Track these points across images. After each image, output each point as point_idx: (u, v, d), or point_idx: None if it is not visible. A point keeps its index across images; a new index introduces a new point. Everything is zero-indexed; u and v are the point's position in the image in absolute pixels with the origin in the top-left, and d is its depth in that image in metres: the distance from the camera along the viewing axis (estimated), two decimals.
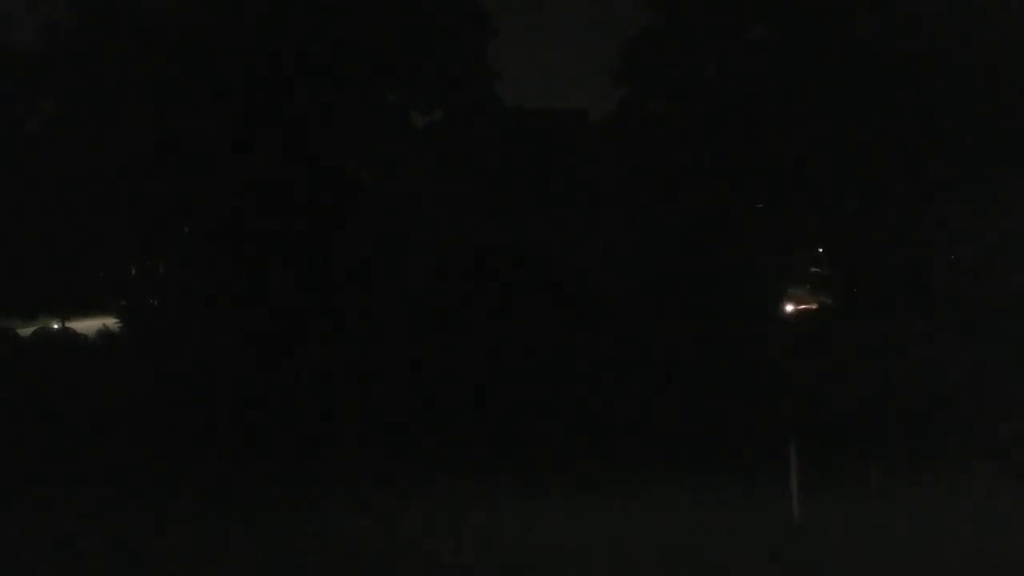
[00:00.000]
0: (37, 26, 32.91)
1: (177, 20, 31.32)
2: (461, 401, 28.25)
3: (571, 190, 32.42)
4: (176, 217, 31.68)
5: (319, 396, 28.38)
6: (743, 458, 24.60)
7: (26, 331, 32.96)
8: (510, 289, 30.60)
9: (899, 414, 27.16)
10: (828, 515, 21.30)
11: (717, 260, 31.22)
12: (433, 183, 32.08)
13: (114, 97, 31.40)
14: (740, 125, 31.06)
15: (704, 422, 27.05)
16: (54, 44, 32.79)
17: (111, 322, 32.29)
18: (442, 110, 33.74)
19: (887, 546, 19.31)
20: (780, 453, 24.93)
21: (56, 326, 33.47)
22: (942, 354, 28.55)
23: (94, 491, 23.40)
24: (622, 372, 28.83)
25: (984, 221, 30.32)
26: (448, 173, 32.41)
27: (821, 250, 33.64)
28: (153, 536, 20.69)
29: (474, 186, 32.29)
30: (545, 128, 33.86)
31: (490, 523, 21.07)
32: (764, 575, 18.28)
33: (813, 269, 33.73)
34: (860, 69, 30.48)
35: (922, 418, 26.85)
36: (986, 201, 30.22)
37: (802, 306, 33.52)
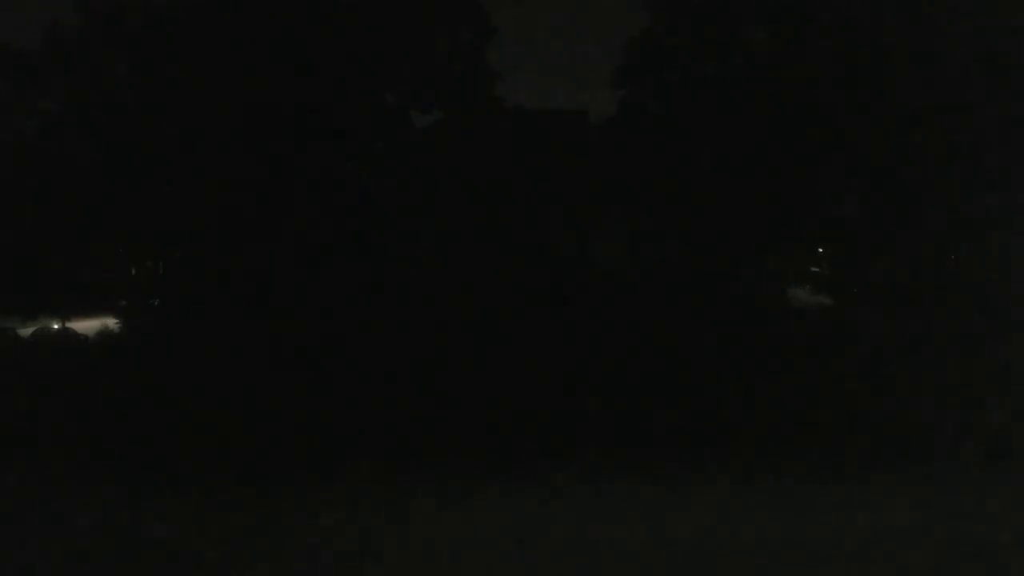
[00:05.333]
0: (38, 26, 33.02)
1: (175, 19, 31.35)
2: (464, 405, 28.27)
3: (571, 190, 32.43)
4: (176, 218, 31.68)
5: (321, 398, 28.38)
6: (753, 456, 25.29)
7: (26, 331, 32.98)
8: (511, 289, 30.61)
9: (898, 414, 27.24)
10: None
11: (717, 260, 31.23)
12: (432, 183, 32.09)
13: (113, 97, 31.42)
14: (740, 125, 31.05)
15: (706, 423, 27.24)
16: (55, 44, 32.81)
17: (111, 322, 32.33)
18: (442, 110, 33.74)
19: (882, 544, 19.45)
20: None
21: (56, 326, 33.49)
22: (941, 353, 28.60)
23: (93, 491, 23.46)
24: (621, 371, 28.89)
25: (984, 221, 30.37)
26: (448, 173, 32.43)
27: (821, 250, 33.71)
28: (150, 535, 20.73)
29: (474, 186, 32.30)
30: (545, 128, 33.88)
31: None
32: None
33: (813, 269, 33.78)
34: (859, 69, 30.51)
35: (921, 417, 26.93)
36: (987, 201, 30.27)
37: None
